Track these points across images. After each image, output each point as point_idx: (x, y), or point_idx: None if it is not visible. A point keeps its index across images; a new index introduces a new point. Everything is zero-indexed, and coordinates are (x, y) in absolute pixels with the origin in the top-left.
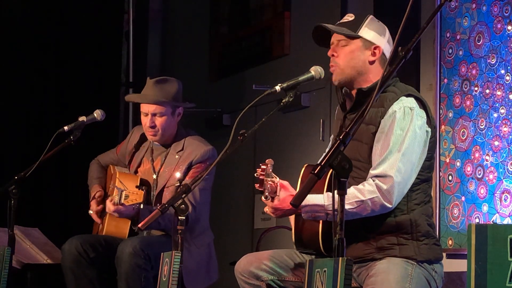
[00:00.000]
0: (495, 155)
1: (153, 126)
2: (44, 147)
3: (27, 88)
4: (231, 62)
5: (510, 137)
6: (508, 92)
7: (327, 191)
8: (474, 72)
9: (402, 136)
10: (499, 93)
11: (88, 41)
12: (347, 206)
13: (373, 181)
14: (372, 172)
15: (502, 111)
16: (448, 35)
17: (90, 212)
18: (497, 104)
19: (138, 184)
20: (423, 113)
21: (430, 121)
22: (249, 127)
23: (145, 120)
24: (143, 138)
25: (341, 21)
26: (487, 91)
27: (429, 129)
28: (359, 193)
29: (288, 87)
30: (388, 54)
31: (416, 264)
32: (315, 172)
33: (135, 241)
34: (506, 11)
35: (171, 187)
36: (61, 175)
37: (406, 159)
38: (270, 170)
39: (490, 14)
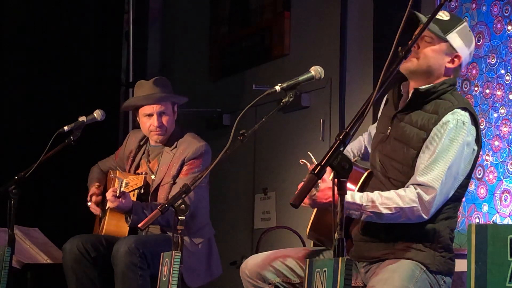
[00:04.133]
0: (495, 155)
1: (161, 126)
2: (44, 147)
3: (27, 88)
4: (231, 62)
5: (510, 137)
6: (508, 92)
7: (359, 190)
8: (474, 72)
9: (450, 147)
10: (499, 93)
11: (88, 41)
12: (384, 210)
13: (415, 189)
14: (418, 179)
15: (502, 111)
16: None
17: (89, 203)
18: (497, 104)
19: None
20: (473, 130)
21: (478, 139)
22: (249, 127)
23: (150, 121)
24: (140, 142)
25: (436, 15)
26: (487, 91)
27: (476, 148)
28: (400, 200)
29: (288, 87)
30: (464, 63)
31: (426, 270)
32: (315, 172)
33: (130, 240)
34: (506, 11)
35: (166, 185)
36: (61, 175)
37: (450, 173)
38: (313, 159)
39: (490, 14)
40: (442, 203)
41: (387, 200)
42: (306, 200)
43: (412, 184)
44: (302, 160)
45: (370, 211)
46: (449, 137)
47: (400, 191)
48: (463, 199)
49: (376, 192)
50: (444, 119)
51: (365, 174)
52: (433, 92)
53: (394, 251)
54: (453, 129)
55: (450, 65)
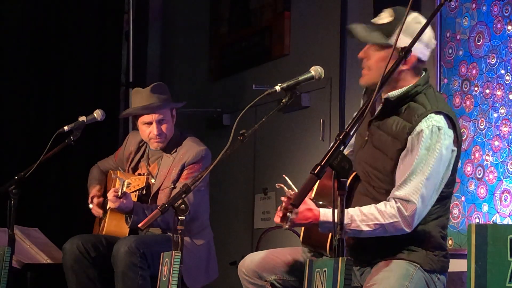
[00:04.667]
0: (495, 155)
1: (161, 134)
2: (44, 147)
3: (27, 88)
4: (231, 62)
5: (510, 137)
6: (508, 92)
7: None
8: (474, 72)
9: (427, 156)
10: (499, 93)
11: (88, 41)
12: (365, 228)
13: (395, 203)
14: (396, 193)
15: (502, 111)
16: (448, 35)
17: (90, 206)
18: (497, 104)
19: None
20: (451, 132)
21: (457, 140)
22: (249, 127)
23: (150, 129)
24: (139, 144)
25: (378, 20)
26: (487, 91)
27: (455, 148)
28: (380, 216)
29: (288, 87)
30: (424, 57)
31: (420, 268)
32: (315, 172)
33: (130, 240)
34: (506, 11)
35: (166, 189)
36: (61, 175)
37: (430, 183)
38: (289, 182)
39: (490, 14)
40: (425, 212)
41: (367, 217)
42: (282, 223)
43: (393, 198)
44: (279, 184)
45: (351, 229)
46: (425, 146)
47: (381, 205)
48: (463, 198)
49: (356, 208)
50: (418, 128)
51: (351, 176)
52: (405, 97)
53: (386, 254)
54: (429, 137)
55: (405, 67)
